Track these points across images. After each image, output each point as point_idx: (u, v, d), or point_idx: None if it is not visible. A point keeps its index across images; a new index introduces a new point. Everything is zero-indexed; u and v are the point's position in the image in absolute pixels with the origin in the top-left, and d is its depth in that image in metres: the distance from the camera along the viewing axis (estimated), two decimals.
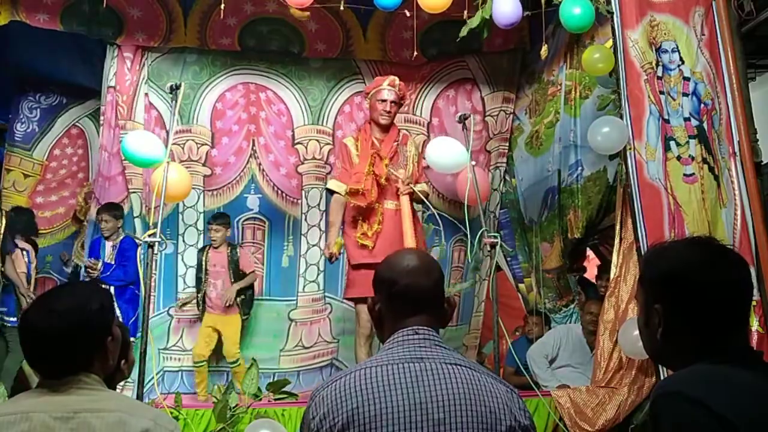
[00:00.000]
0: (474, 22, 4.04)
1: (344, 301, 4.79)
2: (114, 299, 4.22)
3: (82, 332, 1.52)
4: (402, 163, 4.26)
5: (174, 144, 4.24)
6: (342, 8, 4.16)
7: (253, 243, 5.14)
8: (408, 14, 4.15)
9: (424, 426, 1.32)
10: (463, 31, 4.13)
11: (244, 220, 5.14)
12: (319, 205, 5.22)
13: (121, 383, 2.65)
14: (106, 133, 5.01)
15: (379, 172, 4.13)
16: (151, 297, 3.61)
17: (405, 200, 4.15)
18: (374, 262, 3.61)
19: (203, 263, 4.78)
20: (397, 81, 4.24)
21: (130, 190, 4.94)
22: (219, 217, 4.81)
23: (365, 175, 4.08)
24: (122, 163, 4.91)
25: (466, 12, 4.07)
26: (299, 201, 5.20)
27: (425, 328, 1.46)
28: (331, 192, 4.30)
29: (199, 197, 5.01)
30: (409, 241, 3.99)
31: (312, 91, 5.31)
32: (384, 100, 4.17)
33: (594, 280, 5.49)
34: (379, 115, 4.19)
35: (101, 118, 5.08)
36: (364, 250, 4.09)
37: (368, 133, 4.23)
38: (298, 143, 5.26)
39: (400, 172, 4.22)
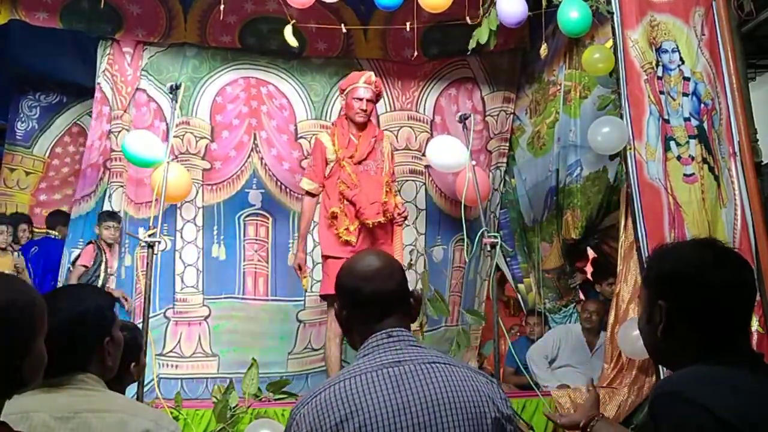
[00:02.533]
0: (482, 36, 4.02)
1: None
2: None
3: (78, 331, 1.52)
4: (380, 160, 4.09)
5: (173, 136, 4.10)
6: (344, 31, 4.16)
7: (256, 240, 4.97)
8: (408, 28, 4.15)
9: (410, 431, 1.31)
10: (472, 43, 4.13)
11: (245, 216, 4.98)
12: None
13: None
14: (96, 126, 4.93)
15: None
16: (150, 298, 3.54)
17: (399, 230, 4.05)
18: None
19: None
20: (373, 78, 4.06)
21: (116, 184, 4.78)
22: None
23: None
24: (109, 154, 4.83)
25: (467, 16, 4.07)
26: (303, 197, 5.09)
27: (398, 329, 1.45)
28: (305, 192, 4.10)
29: (197, 192, 4.85)
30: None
31: (314, 86, 5.23)
32: (360, 99, 3.98)
33: (590, 280, 5.47)
34: (355, 114, 4.00)
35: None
36: (347, 246, 3.89)
37: (345, 129, 4.05)
38: (301, 137, 5.15)
39: (397, 200, 4.10)
